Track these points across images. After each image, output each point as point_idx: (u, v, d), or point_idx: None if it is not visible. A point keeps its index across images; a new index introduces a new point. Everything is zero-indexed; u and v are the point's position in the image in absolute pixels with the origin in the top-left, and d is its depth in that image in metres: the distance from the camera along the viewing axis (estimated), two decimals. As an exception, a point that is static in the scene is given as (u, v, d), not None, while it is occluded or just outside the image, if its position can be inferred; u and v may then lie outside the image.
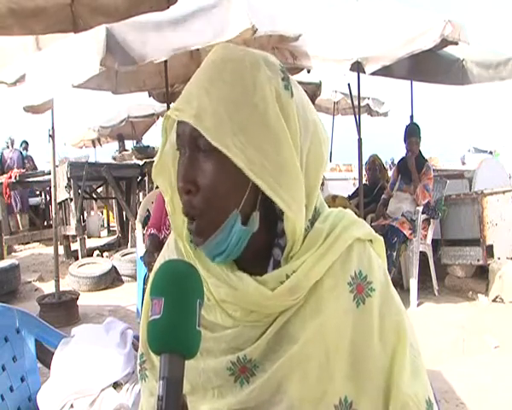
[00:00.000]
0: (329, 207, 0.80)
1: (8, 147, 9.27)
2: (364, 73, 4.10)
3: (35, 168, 9.40)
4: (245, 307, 0.72)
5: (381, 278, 0.75)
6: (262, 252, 0.74)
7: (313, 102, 7.25)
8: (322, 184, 6.99)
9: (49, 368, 1.84)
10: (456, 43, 4.26)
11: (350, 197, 5.90)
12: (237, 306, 0.73)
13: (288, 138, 0.67)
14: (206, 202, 0.68)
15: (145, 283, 3.44)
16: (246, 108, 0.67)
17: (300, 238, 0.71)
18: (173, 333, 0.58)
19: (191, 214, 0.70)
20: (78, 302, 4.61)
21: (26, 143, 9.94)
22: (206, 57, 0.72)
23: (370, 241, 0.79)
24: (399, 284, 4.79)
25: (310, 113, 0.72)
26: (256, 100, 0.67)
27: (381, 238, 0.81)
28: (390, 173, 5.87)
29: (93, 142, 12.66)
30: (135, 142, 11.03)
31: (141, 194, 8.39)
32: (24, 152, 9.79)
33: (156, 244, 3.11)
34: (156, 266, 0.80)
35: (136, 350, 0.84)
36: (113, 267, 5.89)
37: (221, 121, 0.66)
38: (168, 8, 2.56)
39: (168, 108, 5.39)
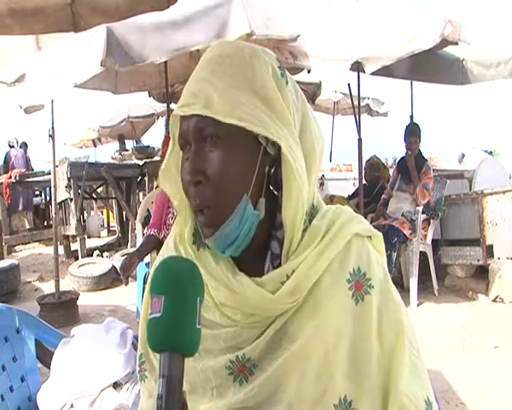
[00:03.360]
0: None
1: (13, 146, 9.35)
2: (364, 72, 4.10)
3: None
4: (245, 311, 0.72)
5: (380, 275, 0.74)
6: (261, 247, 0.74)
7: (313, 102, 7.27)
8: (322, 184, 6.99)
9: (49, 368, 1.84)
10: (457, 44, 4.26)
11: (350, 197, 5.90)
12: (237, 309, 0.73)
13: (289, 118, 0.69)
14: (217, 191, 0.68)
15: (145, 282, 3.43)
16: (248, 93, 0.68)
17: (300, 229, 0.71)
18: (174, 332, 0.57)
19: (203, 205, 0.70)
20: (78, 302, 4.60)
21: (25, 145, 9.96)
22: (204, 55, 0.73)
23: (369, 237, 0.78)
24: (399, 283, 4.78)
25: (303, 105, 0.74)
26: (257, 88, 0.69)
27: (380, 234, 0.80)
28: (391, 172, 5.86)
29: (93, 142, 12.65)
30: (135, 142, 11.03)
31: (141, 194, 8.39)
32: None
33: (153, 245, 3.12)
34: (156, 264, 0.80)
35: (136, 350, 0.84)
36: (113, 267, 5.88)
37: (229, 100, 0.67)
38: (168, 7, 2.57)
39: (168, 107, 5.40)
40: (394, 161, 9.75)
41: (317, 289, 0.72)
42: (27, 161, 9.42)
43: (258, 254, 0.74)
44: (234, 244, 0.70)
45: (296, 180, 0.68)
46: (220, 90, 0.67)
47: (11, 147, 9.37)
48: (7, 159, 9.15)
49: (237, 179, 0.69)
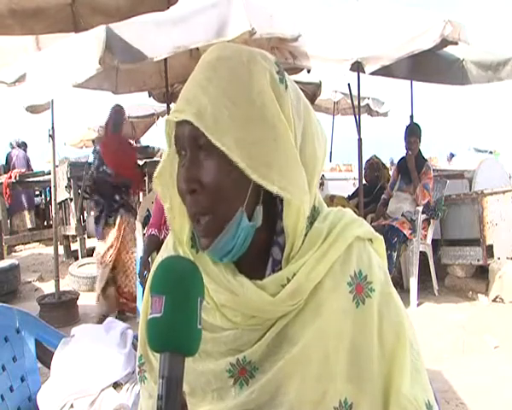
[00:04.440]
0: (328, 207, 0.80)
1: (14, 147, 9.38)
2: (364, 73, 4.10)
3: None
4: (245, 313, 0.72)
5: (381, 278, 0.74)
6: (262, 252, 0.74)
7: (313, 102, 7.29)
8: (322, 184, 7.00)
9: (49, 368, 1.84)
10: (456, 43, 4.26)
11: (350, 197, 5.91)
12: (237, 311, 0.72)
13: (286, 129, 0.68)
14: (212, 200, 0.67)
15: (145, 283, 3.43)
16: (244, 105, 0.67)
17: (302, 235, 0.70)
18: (174, 333, 0.57)
19: (199, 213, 0.69)
20: (78, 302, 4.61)
21: (24, 145, 9.95)
22: (202, 58, 0.72)
23: (370, 240, 0.78)
24: (399, 284, 4.79)
25: (304, 108, 0.72)
26: (253, 96, 0.67)
27: (381, 237, 0.80)
28: (391, 172, 5.87)
29: (93, 142, 12.63)
30: (134, 142, 11.01)
31: (141, 194, 8.37)
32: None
33: (155, 245, 3.12)
34: (156, 264, 0.80)
35: (136, 350, 0.84)
36: (113, 267, 5.88)
37: (220, 119, 0.65)
38: (168, 8, 2.57)
39: (168, 107, 5.39)
40: (391, 162, 9.76)
41: (319, 292, 0.71)
42: (28, 161, 9.44)
43: (259, 258, 0.74)
44: (230, 254, 0.70)
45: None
46: (214, 101, 0.66)
47: (12, 148, 9.40)
48: (8, 159, 9.17)
49: (233, 188, 0.68)
